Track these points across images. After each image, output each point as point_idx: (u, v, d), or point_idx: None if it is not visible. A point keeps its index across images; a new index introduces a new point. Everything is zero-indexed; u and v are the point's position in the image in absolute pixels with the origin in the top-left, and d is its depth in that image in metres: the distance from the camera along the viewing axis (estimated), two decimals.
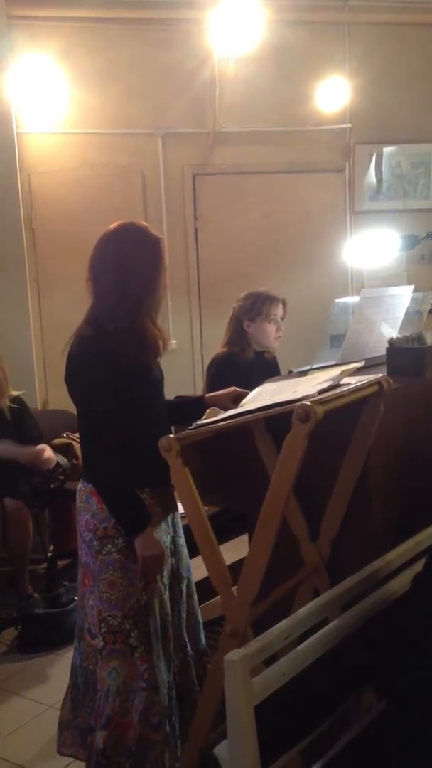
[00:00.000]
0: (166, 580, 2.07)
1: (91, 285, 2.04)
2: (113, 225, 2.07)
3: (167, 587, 2.08)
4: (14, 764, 2.42)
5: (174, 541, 2.15)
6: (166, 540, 2.09)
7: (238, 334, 3.11)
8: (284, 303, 3.14)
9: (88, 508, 2.04)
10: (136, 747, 1.97)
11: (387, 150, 4.86)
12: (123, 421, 1.97)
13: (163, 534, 2.07)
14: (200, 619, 2.26)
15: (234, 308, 3.16)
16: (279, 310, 3.11)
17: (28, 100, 4.31)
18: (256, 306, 3.07)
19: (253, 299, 3.09)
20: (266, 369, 3.13)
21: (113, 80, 4.47)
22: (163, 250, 2.05)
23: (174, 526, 2.16)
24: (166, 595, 2.07)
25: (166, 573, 2.07)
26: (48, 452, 3.54)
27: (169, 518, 2.12)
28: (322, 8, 4.66)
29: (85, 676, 2.11)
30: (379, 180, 4.89)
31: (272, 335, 3.12)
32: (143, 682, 1.99)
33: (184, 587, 2.18)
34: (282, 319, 3.13)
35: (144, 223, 2.13)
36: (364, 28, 4.75)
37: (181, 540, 2.19)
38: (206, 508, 1.77)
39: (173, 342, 4.52)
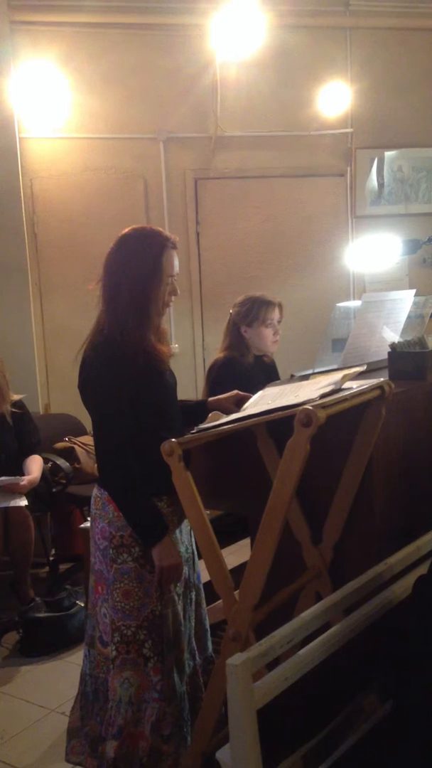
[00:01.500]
0: (179, 590, 2.05)
1: (100, 289, 2.03)
2: (126, 229, 2.06)
3: (180, 597, 2.06)
4: None
5: (188, 549, 2.13)
6: (182, 549, 2.07)
7: (236, 340, 3.10)
8: (280, 306, 3.13)
9: (105, 515, 2.01)
10: (148, 758, 1.97)
11: (388, 154, 4.87)
12: (138, 428, 1.95)
13: (178, 543, 2.05)
14: (208, 627, 2.24)
15: (231, 313, 3.15)
16: (276, 315, 3.10)
17: (31, 105, 4.33)
18: (253, 311, 3.06)
19: (250, 304, 3.08)
20: (265, 373, 3.14)
21: (115, 85, 4.48)
22: (162, 259, 2.01)
23: (189, 533, 2.14)
24: (180, 605, 2.06)
25: (180, 582, 2.05)
26: (26, 480, 3.49)
27: (184, 526, 2.10)
28: (324, 13, 4.67)
29: (95, 684, 2.09)
30: (381, 184, 4.90)
31: (270, 339, 3.11)
32: (156, 693, 1.98)
33: (193, 595, 2.16)
34: (279, 322, 3.13)
35: (156, 228, 2.09)
36: (366, 33, 4.76)
37: (193, 548, 2.17)
38: (208, 512, 1.77)
39: (175, 346, 4.53)
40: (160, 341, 2.06)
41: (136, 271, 1.98)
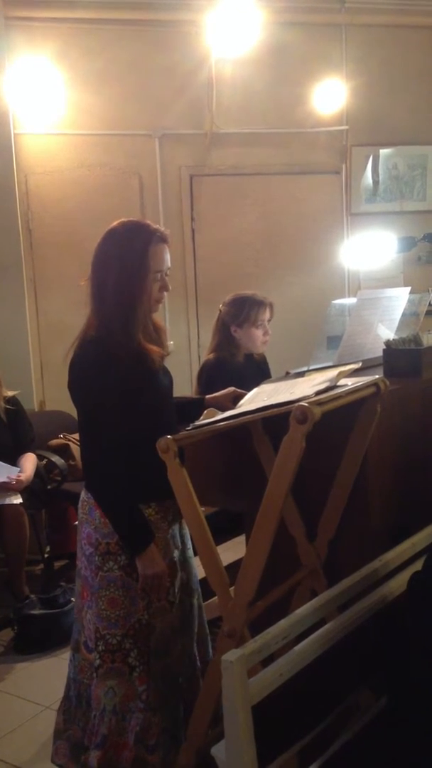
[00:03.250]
0: (172, 598, 2.00)
1: (88, 286, 1.97)
2: (114, 223, 1.98)
3: (174, 605, 2.01)
4: (11, 765, 2.42)
5: (183, 553, 2.07)
6: (175, 555, 2.02)
7: (226, 339, 3.06)
8: (271, 306, 3.09)
9: (91, 520, 1.96)
10: None
11: (384, 152, 4.87)
12: (130, 430, 1.88)
13: (170, 548, 2.00)
14: (208, 631, 2.20)
15: (220, 311, 3.11)
16: (266, 315, 3.06)
17: (26, 101, 4.31)
18: (244, 312, 3.02)
19: (240, 304, 3.04)
20: (257, 371, 3.12)
21: (110, 81, 4.47)
22: (148, 253, 1.91)
23: (182, 538, 2.07)
24: (175, 612, 2.01)
25: (173, 590, 2.00)
26: (21, 476, 3.51)
27: (176, 531, 2.04)
28: (319, 10, 4.66)
29: (78, 689, 2.06)
30: (376, 182, 4.90)
31: (260, 340, 3.07)
32: (141, 702, 1.94)
33: (194, 601, 2.11)
34: (268, 321, 3.09)
35: (144, 221, 2.00)
36: (361, 30, 4.76)
37: (190, 552, 2.11)
38: (204, 508, 1.77)
39: (170, 343, 4.51)
40: (150, 340, 2.00)
41: (121, 267, 1.90)
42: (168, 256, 1.98)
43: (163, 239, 1.96)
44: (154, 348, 1.98)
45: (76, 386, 1.92)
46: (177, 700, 2.02)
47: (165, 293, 2.01)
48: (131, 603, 1.94)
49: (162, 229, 1.97)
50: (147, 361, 1.94)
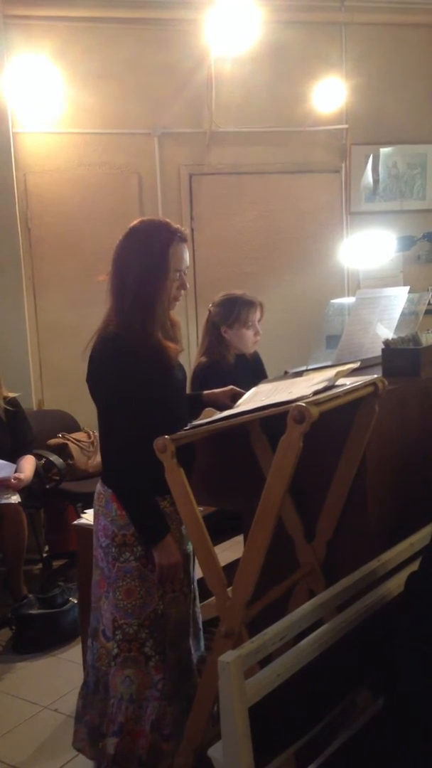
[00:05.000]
0: (187, 589, 2.04)
1: (108, 282, 2.01)
2: (135, 221, 2.02)
3: (189, 596, 2.05)
4: (9, 765, 2.42)
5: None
6: (189, 548, 2.05)
7: (216, 341, 3.02)
8: (261, 306, 3.06)
9: (108, 513, 2.00)
10: (147, 756, 1.97)
11: (383, 151, 4.86)
12: (145, 425, 1.90)
13: (183, 540, 2.03)
14: (201, 625, 2.22)
15: (209, 312, 3.07)
16: (257, 315, 3.03)
17: (24, 100, 4.30)
18: (234, 312, 2.98)
19: (230, 305, 3.00)
20: (250, 369, 3.08)
21: (110, 80, 4.46)
22: (169, 252, 1.96)
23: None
24: (189, 605, 2.04)
25: (188, 581, 2.04)
26: (21, 475, 3.51)
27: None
28: (319, 9, 4.65)
29: (96, 675, 2.10)
30: (376, 181, 4.90)
31: (251, 340, 3.04)
32: (157, 691, 1.98)
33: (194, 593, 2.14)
34: (259, 321, 3.06)
35: (165, 220, 2.04)
36: (361, 29, 4.75)
37: (190, 546, 2.13)
38: (202, 508, 1.77)
39: None
40: (167, 336, 2.04)
41: (142, 266, 1.96)
42: (187, 256, 2.03)
43: (183, 239, 2.01)
44: (171, 345, 2.03)
45: (95, 381, 1.98)
46: (188, 690, 2.05)
47: (183, 291, 2.06)
48: (147, 593, 1.99)
49: (182, 228, 2.03)
50: (164, 358, 1.99)
